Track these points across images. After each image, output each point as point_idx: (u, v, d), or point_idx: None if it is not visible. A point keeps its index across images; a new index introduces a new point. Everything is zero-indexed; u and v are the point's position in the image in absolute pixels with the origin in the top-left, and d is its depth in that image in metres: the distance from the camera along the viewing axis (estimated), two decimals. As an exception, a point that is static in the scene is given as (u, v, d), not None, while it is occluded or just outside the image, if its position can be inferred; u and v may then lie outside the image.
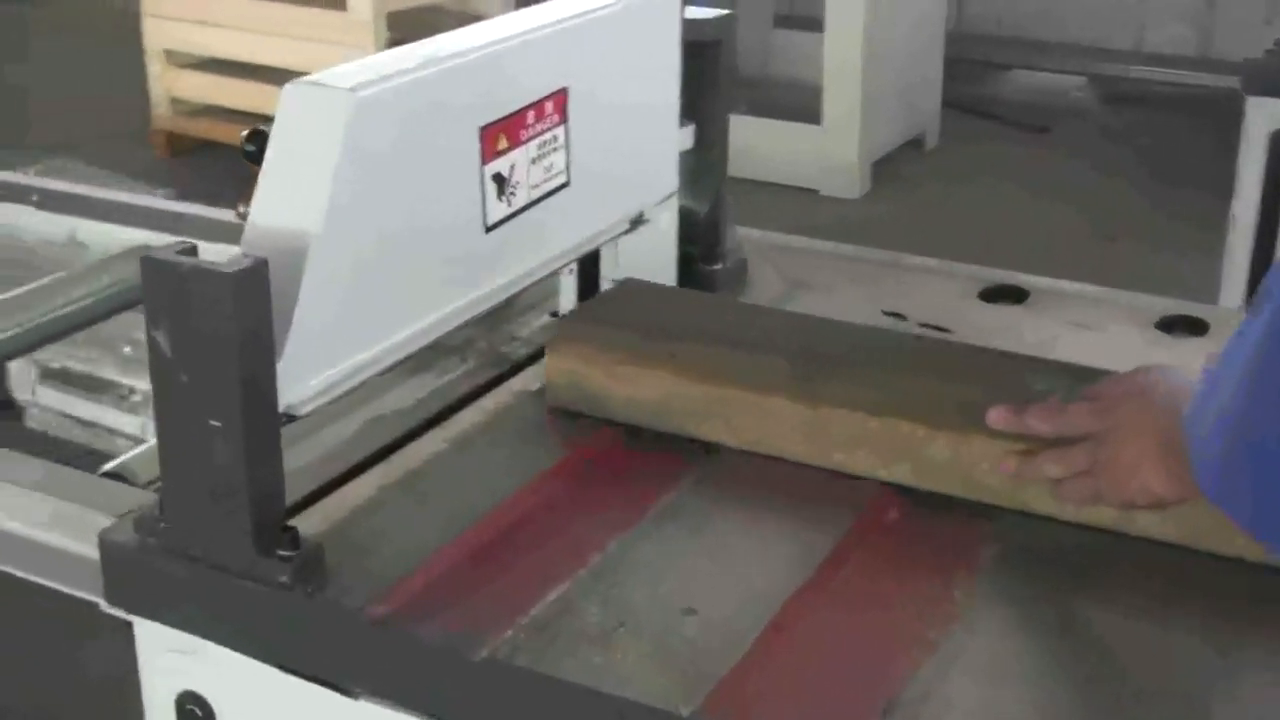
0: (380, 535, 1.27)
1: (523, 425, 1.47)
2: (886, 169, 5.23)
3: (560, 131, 1.47)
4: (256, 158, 1.73)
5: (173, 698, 1.28)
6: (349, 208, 1.23)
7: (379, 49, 4.62)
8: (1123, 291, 1.74)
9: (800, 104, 5.12)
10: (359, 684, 1.18)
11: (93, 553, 1.31)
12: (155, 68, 5.12)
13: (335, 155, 1.21)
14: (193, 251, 1.17)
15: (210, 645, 1.24)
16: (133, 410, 3.53)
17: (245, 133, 1.73)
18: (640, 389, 1.43)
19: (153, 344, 1.18)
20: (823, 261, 1.82)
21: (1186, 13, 5.96)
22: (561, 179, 1.49)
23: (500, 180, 1.40)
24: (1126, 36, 6.04)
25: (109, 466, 1.40)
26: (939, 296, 1.73)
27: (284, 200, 1.22)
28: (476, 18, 5.80)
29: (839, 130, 5.04)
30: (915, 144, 5.47)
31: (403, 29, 4.89)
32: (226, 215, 1.90)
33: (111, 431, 3.57)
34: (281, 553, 1.20)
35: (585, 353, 1.46)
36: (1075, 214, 4.82)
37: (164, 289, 1.16)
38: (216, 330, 1.14)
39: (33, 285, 1.78)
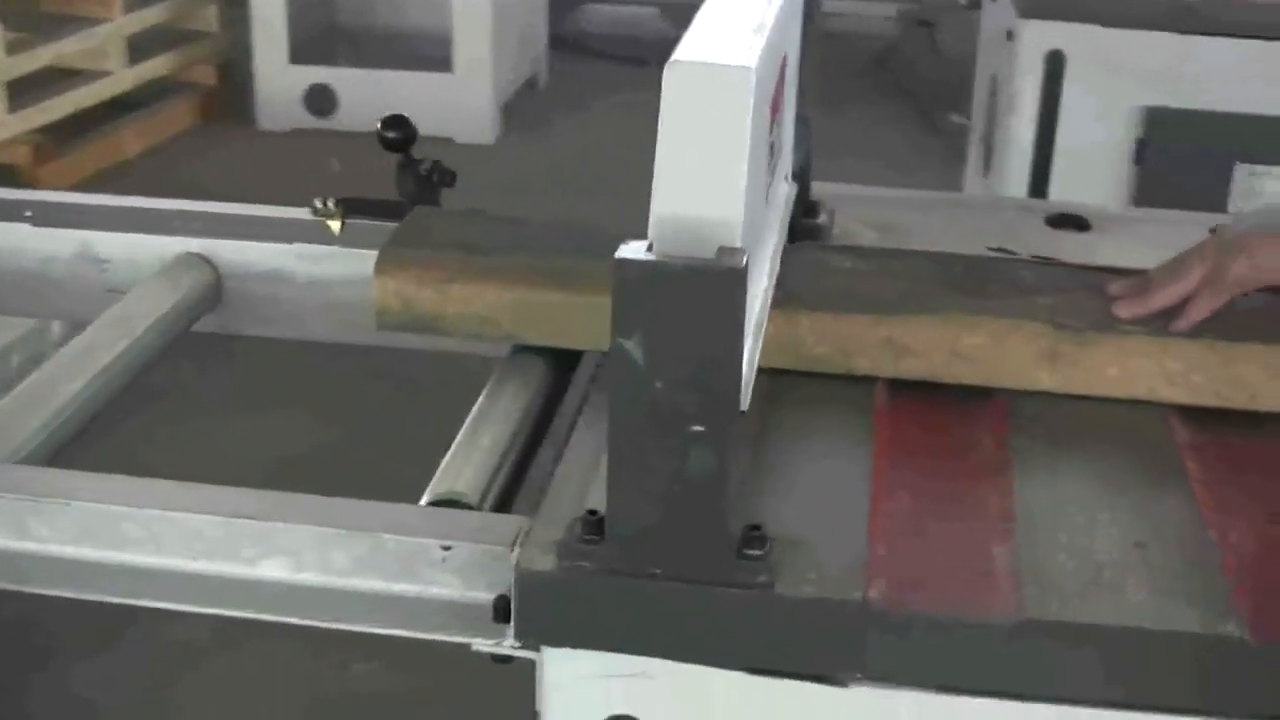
0: (790, 526, 1.24)
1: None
2: (512, 113, 5.25)
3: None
4: (399, 145, 1.60)
5: (600, 725, 1.21)
6: (750, 191, 1.18)
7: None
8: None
9: (429, 54, 5.06)
10: (854, 670, 1.17)
11: (467, 594, 1.22)
12: None
13: (745, 137, 1.15)
14: (651, 248, 1.10)
15: (647, 662, 1.18)
16: None
17: (382, 119, 1.59)
18: (473, 305, 1.47)
19: (621, 355, 1.10)
20: (895, 208, 1.86)
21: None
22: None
23: (772, 149, 1.38)
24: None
25: (431, 497, 1.27)
26: (1021, 230, 1.81)
27: (695, 190, 1.15)
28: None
29: (470, 77, 5.01)
30: (530, 85, 5.52)
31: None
32: (269, 211, 1.71)
33: None
34: (753, 552, 1.16)
35: (416, 273, 1.49)
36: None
37: (644, 293, 1.09)
38: (707, 330, 1.09)
39: (104, 317, 1.52)
